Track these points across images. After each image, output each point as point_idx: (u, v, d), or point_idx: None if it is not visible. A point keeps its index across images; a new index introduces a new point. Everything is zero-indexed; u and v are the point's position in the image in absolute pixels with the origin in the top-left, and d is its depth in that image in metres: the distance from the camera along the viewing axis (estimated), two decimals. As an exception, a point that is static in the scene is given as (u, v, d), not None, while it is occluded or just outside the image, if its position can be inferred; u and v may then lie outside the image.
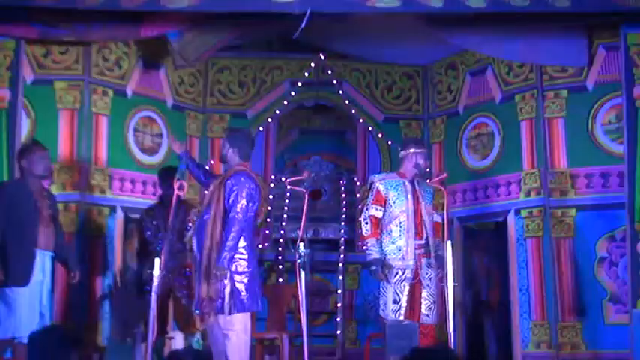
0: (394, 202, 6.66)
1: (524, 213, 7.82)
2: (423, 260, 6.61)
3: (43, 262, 6.21)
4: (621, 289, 7.25)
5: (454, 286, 6.05)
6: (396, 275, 6.58)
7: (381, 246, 6.63)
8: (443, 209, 6.61)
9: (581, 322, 7.42)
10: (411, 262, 6.57)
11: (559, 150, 7.71)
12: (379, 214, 6.68)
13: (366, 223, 6.70)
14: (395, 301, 6.56)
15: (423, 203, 6.67)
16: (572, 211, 7.60)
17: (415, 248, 6.60)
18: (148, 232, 7.02)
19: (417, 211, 6.64)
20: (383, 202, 6.68)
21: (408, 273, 6.58)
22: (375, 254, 6.62)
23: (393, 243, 6.61)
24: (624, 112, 7.04)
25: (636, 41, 7.03)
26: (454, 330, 6.03)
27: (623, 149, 7.07)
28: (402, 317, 6.51)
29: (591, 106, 7.59)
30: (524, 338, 7.67)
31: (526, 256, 7.76)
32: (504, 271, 7.98)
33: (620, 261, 7.32)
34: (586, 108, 7.61)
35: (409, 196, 6.66)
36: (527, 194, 7.83)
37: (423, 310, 6.57)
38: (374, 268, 6.63)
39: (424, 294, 6.59)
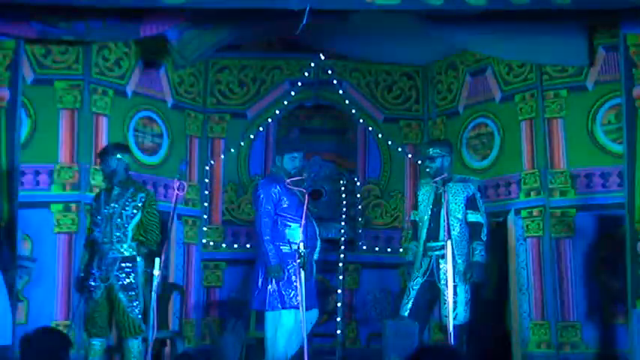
0: (420, 206, 6.92)
1: (524, 213, 7.82)
2: (441, 262, 6.60)
3: None
4: (621, 289, 7.24)
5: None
6: (415, 272, 6.78)
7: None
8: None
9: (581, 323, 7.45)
10: (424, 262, 6.73)
11: (559, 150, 7.70)
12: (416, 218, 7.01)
13: (408, 229, 7.19)
14: (406, 296, 6.76)
15: (445, 206, 6.62)
16: (572, 211, 7.60)
17: (432, 250, 6.71)
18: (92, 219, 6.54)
19: (432, 214, 6.77)
20: (417, 207, 6.99)
21: (422, 272, 6.73)
22: (410, 257, 6.92)
23: (416, 241, 6.87)
24: (624, 112, 7.04)
25: (636, 41, 7.03)
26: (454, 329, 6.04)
27: (623, 149, 7.07)
28: (406, 313, 6.57)
29: (591, 106, 7.58)
30: (524, 338, 7.67)
31: (526, 256, 7.76)
32: (504, 271, 7.98)
33: (620, 261, 7.31)
34: (586, 108, 7.60)
35: (430, 200, 6.84)
36: (527, 194, 7.83)
37: (443, 312, 6.65)
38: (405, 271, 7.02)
39: (442, 297, 6.62)
